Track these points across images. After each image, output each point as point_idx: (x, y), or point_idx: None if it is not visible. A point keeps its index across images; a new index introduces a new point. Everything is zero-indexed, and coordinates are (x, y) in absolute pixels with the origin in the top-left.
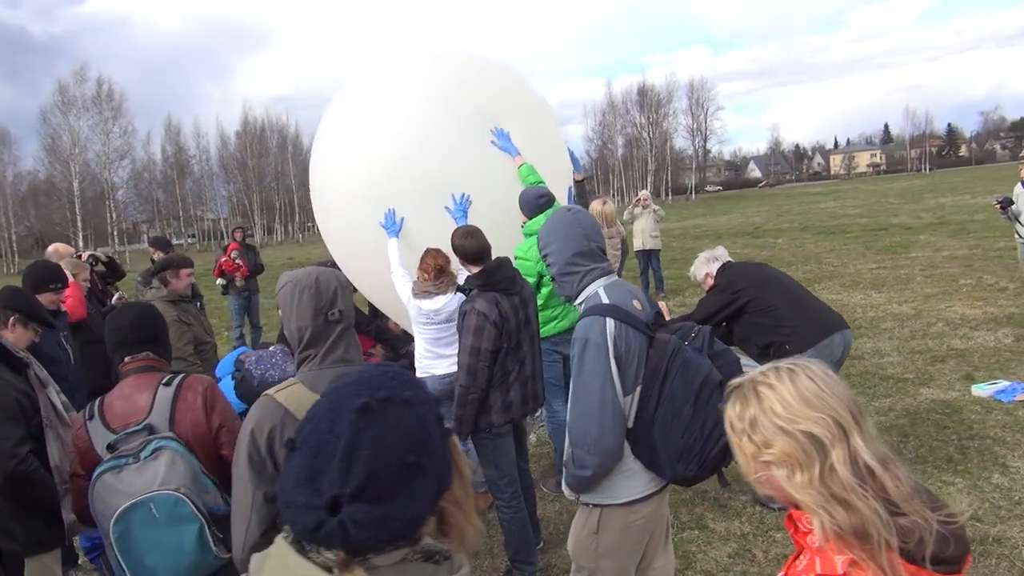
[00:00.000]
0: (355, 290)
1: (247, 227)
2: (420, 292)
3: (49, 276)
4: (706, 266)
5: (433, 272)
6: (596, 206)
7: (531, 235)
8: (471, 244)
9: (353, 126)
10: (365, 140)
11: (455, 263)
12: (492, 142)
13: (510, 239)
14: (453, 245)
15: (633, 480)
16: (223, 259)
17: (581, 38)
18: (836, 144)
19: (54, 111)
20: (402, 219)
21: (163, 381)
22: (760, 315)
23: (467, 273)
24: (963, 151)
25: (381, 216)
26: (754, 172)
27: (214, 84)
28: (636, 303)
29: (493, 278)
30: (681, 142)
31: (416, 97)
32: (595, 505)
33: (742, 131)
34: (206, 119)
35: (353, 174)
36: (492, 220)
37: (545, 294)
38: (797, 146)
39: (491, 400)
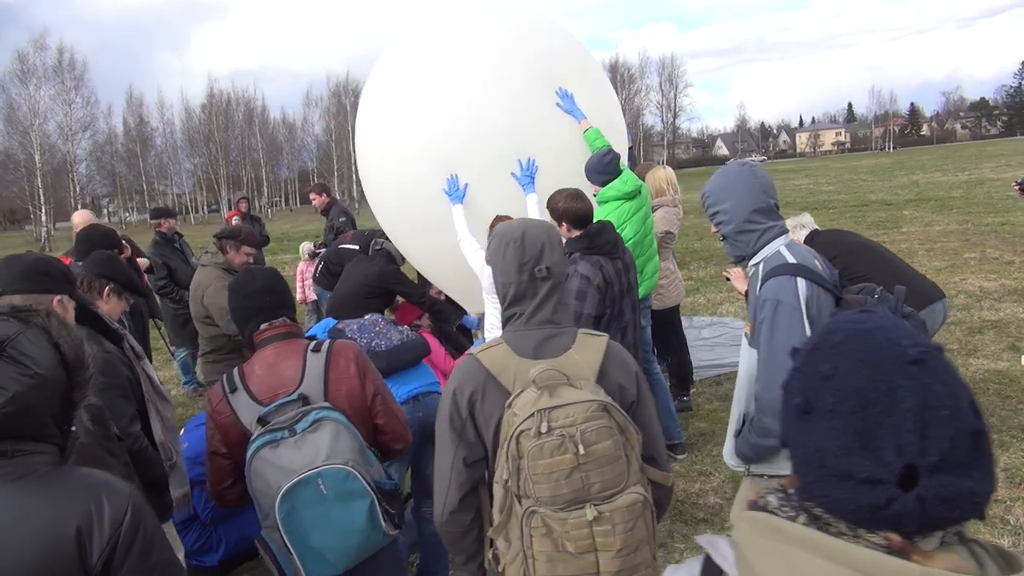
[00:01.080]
0: (404, 260)
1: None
2: None
3: (108, 242)
4: (793, 233)
5: None
6: (659, 172)
7: (604, 203)
8: (582, 207)
9: (415, 87)
10: (429, 102)
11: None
12: (557, 104)
13: None
14: (559, 208)
15: None
16: None
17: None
18: (801, 122)
19: (13, 80)
20: (465, 185)
21: (311, 347)
22: (856, 282)
23: None
24: (925, 130)
25: (441, 181)
26: (721, 150)
27: (176, 55)
28: (817, 263)
29: (597, 241)
30: (651, 119)
31: (492, 60)
32: (769, 476)
33: (709, 109)
34: (170, 92)
35: (412, 136)
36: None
37: None
38: (763, 124)
39: None
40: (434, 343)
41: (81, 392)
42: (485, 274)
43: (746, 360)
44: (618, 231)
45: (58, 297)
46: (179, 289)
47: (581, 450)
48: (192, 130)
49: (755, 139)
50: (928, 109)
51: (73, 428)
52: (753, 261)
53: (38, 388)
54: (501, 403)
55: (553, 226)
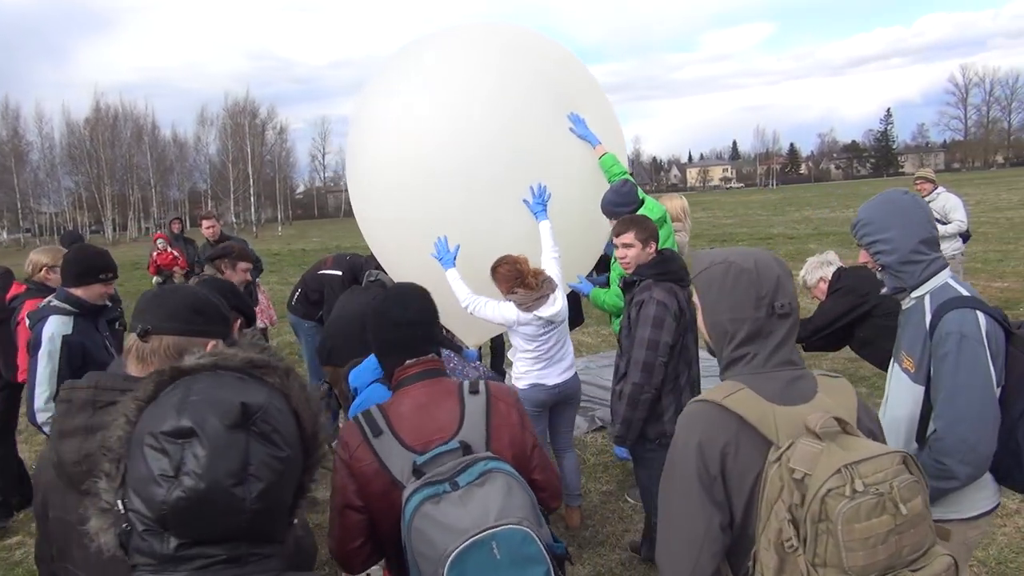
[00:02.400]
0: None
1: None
2: (532, 302)
3: (100, 263)
4: (819, 270)
5: (520, 279)
6: (676, 201)
7: None
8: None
9: (411, 108)
10: (427, 123)
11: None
12: (571, 129)
13: (588, 234)
14: (650, 228)
15: (983, 492)
16: (156, 253)
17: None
18: (691, 158)
19: None
20: (457, 247)
21: (467, 388)
22: (890, 318)
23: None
24: (803, 169)
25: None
26: None
27: (56, 67)
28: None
29: (671, 267)
30: None
31: (492, 78)
32: (939, 521)
33: None
34: (49, 104)
35: (412, 159)
36: (572, 214)
37: None
38: (655, 158)
39: (663, 405)
40: None
41: (310, 475)
42: (522, 320)
43: (907, 398)
44: None
45: (213, 342)
46: None
47: (902, 510)
48: (74, 146)
49: (648, 172)
50: (805, 149)
51: (295, 521)
52: (916, 293)
53: (287, 474)
54: (757, 457)
55: (780, 258)
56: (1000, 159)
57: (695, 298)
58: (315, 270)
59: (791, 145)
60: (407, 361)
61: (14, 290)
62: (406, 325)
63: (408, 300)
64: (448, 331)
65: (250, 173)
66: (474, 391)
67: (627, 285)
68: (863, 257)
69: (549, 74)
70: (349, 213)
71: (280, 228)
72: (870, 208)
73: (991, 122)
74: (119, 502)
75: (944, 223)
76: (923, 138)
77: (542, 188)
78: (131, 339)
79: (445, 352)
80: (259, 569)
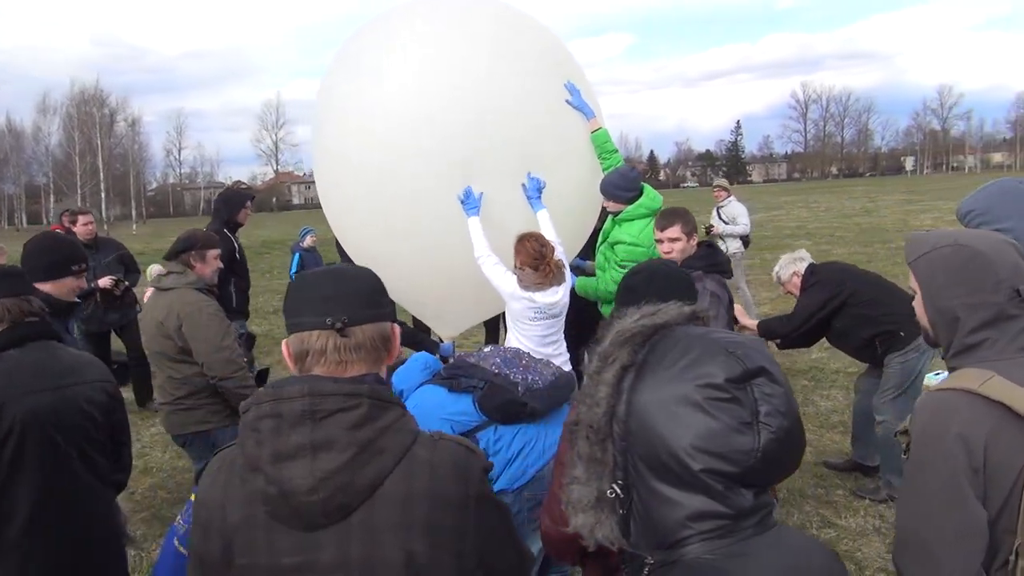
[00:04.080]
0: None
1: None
2: (534, 283)
3: (71, 253)
4: (793, 265)
5: (538, 260)
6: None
7: (631, 220)
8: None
9: (388, 83)
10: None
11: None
12: (567, 101)
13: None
14: (692, 220)
15: None
16: None
17: (306, 40)
18: None
19: None
20: (481, 194)
21: None
22: (864, 306)
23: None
24: (662, 175)
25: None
26: None
27: None
28: None
29: (718, 258)
30: None
31: (487, 55)
32: None
33: None
34: None
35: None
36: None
37: None
38: None
39: None
40: None
41: None
42: (516, 296)
43: None
44: (646, 249)
45: (392, 325)
46: None
47: None
48: None
49: None
50: (663, 156)
51: None
52: None
53: None
54: (1019, 447)
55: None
56: (835, 170)
57: (912, 283)
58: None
59: (651, 152)
60: None
61: None
62: None
63: (673, 286)
64: (421, 323)
65: (100, 167)
66: None
67: None
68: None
69: (546, 44)
70: (208, 212)
71: (135, 227)
72: (983, 198)
73: (827, 136)
74: (613, 485)
75: (733, 225)
76: (768, 149)
77: (536, 178)
78: (309, 341)
79: (512, 348)
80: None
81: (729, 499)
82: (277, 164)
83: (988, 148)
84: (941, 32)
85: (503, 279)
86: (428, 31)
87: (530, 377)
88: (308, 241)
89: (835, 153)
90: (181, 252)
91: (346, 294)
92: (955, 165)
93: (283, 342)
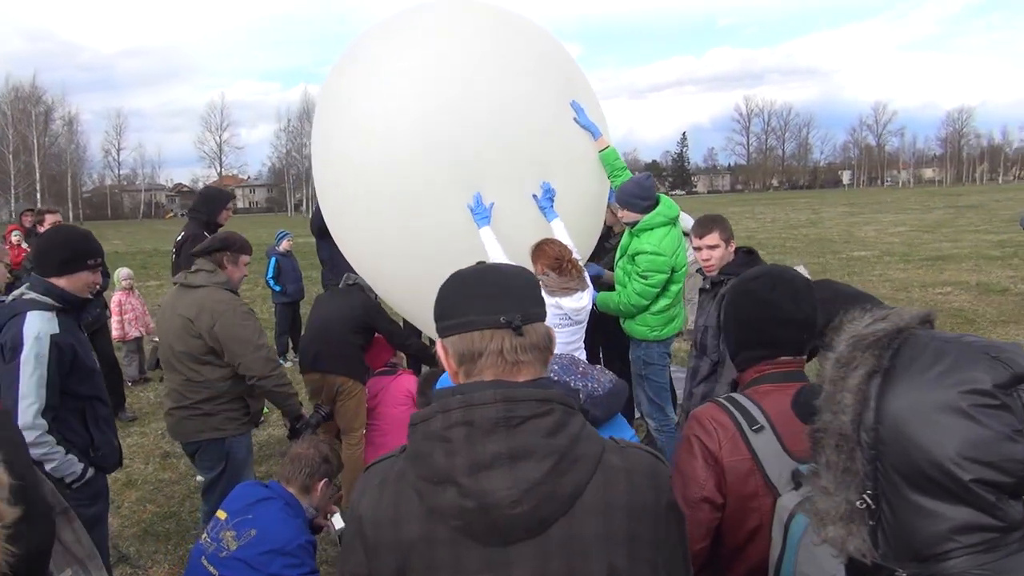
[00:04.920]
0: (376, 296)
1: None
2: (560, 288)
3: (87, 247)
4: None
5: (560, 263)
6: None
7: (648, 230)
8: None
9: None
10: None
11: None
12: (574, 119)
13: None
14: (712, 225)
15: None
16: (8, 248)
17: (251, 40)
18: None
19: None
20: (491, 204)
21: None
22: None
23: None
24: None
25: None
26: None
27: None
28: None
29: (758, 264)
30: None
31: (492, 63)
32: None
33: None
34: None
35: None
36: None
37: (674, 292)
38: None
39: None
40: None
41: None
42: (550, 303)
43: None
44: (668, 258)
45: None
46: None
47: None
48: None
49: None
50: None
51: None
52: None
53: None
54: None
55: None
56: (775, 183)
57: None
58: None
59: None
60: (764, 361)
61: None
62: (793, 325)
63: (798, 289)
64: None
65: (36, 166)
66: None
67: (713, 285)
68: None
69: (552, 55)
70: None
71: None
72: None
73: (769, 149)
74: (864, 496)
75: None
76: (712, 161)
77: (548, 185)
78: (493, 339)
79: (569, 355)
80: None
81: (999, 511)
82: (221, 167)
83: (920, 164)
84: (876, 50)
85: None
86: (432, 31)
87: (590, 385)
88: (284, 245)
89: (776, 166)
90: (216, 251)
91: (515, 290)
92: (889, 180)
93: (438, 343)
